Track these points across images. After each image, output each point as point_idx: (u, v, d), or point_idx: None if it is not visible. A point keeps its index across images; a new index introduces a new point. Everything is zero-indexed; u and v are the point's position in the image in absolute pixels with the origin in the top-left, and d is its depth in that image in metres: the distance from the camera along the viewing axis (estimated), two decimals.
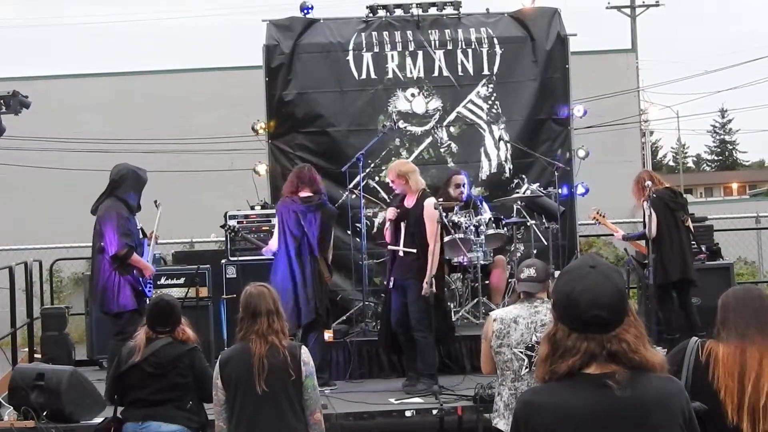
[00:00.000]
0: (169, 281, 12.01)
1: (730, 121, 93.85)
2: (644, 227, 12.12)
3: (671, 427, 3.68)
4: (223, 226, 12.77)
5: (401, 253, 10.87)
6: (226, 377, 6.94)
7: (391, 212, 11.13)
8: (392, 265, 11.09)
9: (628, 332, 3.69)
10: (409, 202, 10.91)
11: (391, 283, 11.03)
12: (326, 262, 11.20)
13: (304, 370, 6.97)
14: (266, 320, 6.93)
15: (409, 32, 14.14)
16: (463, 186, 12.89)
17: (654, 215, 11.87)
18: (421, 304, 10.60)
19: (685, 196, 13.41)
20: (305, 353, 7.06)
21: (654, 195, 11.89)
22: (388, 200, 13.62)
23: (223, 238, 13.15)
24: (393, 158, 13.86)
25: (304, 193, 11.11)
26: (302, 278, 10.89)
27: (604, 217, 13.03)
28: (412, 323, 10.77)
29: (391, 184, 11.50)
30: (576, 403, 3.63)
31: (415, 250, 10.73)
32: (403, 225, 10.92)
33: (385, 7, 14.27)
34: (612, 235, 13.75)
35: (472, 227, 12.49)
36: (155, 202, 11.22)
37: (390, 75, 14.11)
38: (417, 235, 10.71)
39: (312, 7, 14.29)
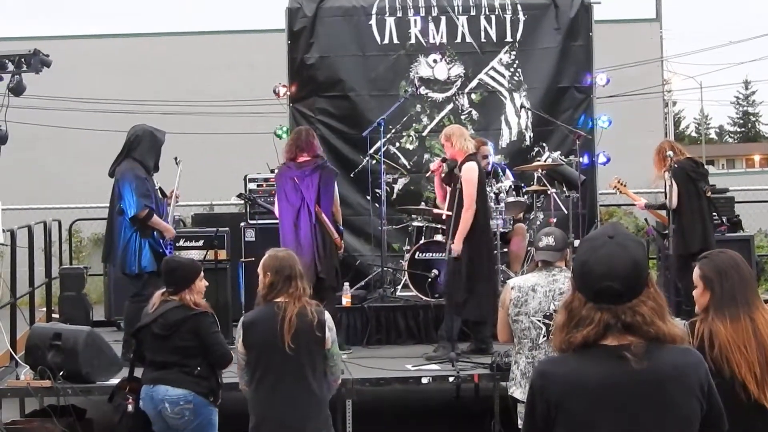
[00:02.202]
0: (188, 243, 11.97)
1: (753, 92, 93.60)
2: (665, 198, 12.04)
3: (687, 400, 3.65)
4: (239, 195, 12.78)
5: (444, 216, 10.94)
6: (249, 340, 6.91)
7: (434, 164, 11.27)
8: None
9: (645, 304, 3.65)
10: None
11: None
12: (335, 224, 11.12)
13: (330, 336, 6.99)
14: (300, 283, 6.95)
15: None
16: (490, 155, 12.84)
17: (675, 186, 11.78)
18: (450, 268, 10.59)
19: (706, 167, 13.31)
20: (329, 319, 7.07)
21: (676, 165, 11.80)
22: (408, 166, 13.64)
23: (243, 201, 13.15)
24: (414, 124, 13.85)
25: (302, 158, 11.02)
26: (312, 243, 10.83)
27: (625, 186, 12.93)
28: (441, 286, 10.82)
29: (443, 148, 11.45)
30: (590, 374, 3.62)
31: (450, 213, 10.74)
32: (449, 189, 11.00)
33: None
34: (633, 204, 13.65)
35: (492, 194, 12.44)
36: (175, 158, 11.20)
37: (412, 40, 14.00)
38: (458, 198, 10.69)
39: None
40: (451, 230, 10.77)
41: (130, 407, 8.02)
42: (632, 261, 3.66)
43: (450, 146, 10.98)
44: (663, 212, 12.41)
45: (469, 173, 10.64)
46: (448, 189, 11.09)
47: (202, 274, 8.04)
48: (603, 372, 3.61)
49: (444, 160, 11.25)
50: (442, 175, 11.39)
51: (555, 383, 3.65)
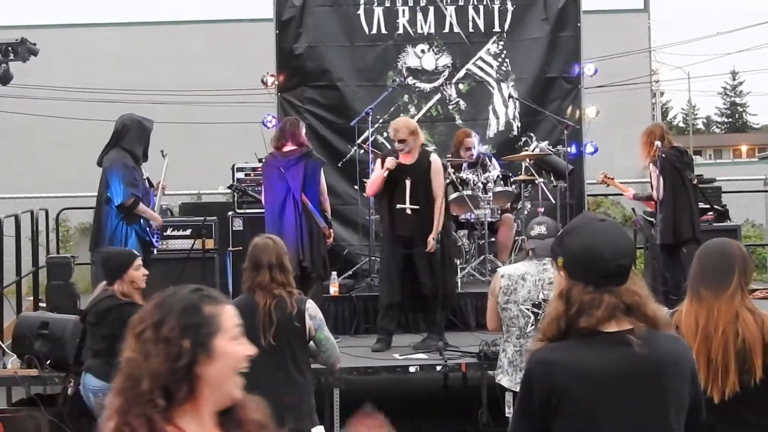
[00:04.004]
0: (176, 233, 11.98)
1: (740, 83, 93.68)
2: (651, 188, 12.05)
3: (682, 387, 3.69)
4: (230, 187, 12.79)
5: (408, 211, 10.75)
6: None
7: (390, 161, 10.76)
8: (392, 221, 10.92)
9: (636, 285, 3.69)
10: (409, 159, 10.74)
11: (394, 241, 10.95)
12: (324, 213, 11.05)
13: (312, 324, 6.95)
14: (268, 273, 6.89)
15: None
16: (473, 148, 12.84)
17: (660, 177, 11.79)
18: (430, 260, 10.57)
19: (693, 156, 13.33)
20: (311, 307, 7.03)
21: (662, 156, 11.80)
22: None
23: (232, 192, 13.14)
24: (401, 114, 13.78)
25: (287, 148, 10.98)
26: (296, 232, 10.80)
27: (612, 179, 12.96)
28: (421, 279, 10.72)
29: (398, 143, 10.83)
30: (594, 362, 3.62)
31: (418, 207, 10.65)
32: (408, 182, 10.76)
33: None
34: (621, 194, 13.67)
35: (480, 184, 12.46)
36: (162, 152, 11.17)
37: (400, 30, 14.00)
38: (423, 191, 10.65)
39: None
40: (407, 222, 10.74)
41: (69, 390, 8.14)
42: (630, 239, 3.76)
43: (414, 140, 10.76)
44: (651, 201, 12.42)
45: (439, 166, 10.64)
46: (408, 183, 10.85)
47: (137, 263, 8.01)
48: (608, 359, 3.61)
49: (397, 157, 10.96)
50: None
51: (560, 371, 3.62)
